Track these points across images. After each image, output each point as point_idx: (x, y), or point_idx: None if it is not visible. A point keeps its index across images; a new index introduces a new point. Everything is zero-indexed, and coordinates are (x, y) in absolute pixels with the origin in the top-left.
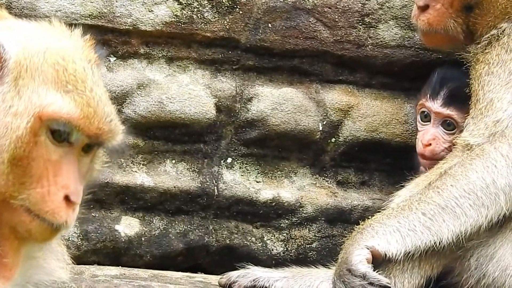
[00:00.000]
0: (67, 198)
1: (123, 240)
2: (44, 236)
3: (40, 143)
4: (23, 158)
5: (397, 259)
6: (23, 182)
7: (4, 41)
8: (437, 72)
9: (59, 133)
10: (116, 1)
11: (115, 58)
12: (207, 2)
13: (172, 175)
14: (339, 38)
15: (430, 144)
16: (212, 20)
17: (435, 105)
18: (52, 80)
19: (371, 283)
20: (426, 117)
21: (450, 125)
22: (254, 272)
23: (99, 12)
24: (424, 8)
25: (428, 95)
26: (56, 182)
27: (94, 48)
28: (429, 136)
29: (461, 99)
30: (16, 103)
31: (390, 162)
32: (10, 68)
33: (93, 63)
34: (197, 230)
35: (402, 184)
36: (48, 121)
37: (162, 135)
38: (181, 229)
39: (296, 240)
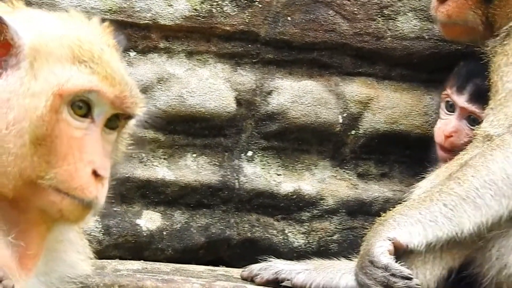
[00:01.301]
0: (95, 173)
1: (144, 234)
2: (76, 214)
3: (62, 120)
4: (46, 137)
5: (419, 250)
6: (48, 161)
7: (19, 28)
8: (464, 65)
9: (80, 107)
10: None
11: (135, 53)
12: None
13: (193, 169)
14: (358, 30)
15: (452, 136)
16: (231, 13)
17: (461, 100)
18: (68, 58)
19: (393, 275)
20: (451, 107)
21: (474, 121)
22: (276, 265)
23: (118, 7)
24: (443, 0)
25: (455, 88)
26: (82, 159)
27: (113, 34)
28: (451, 128)
29: (486, 96)
30: (33, 85)
31: (410, 154)
32: (26, 54)
33: (112, 47)
34: (218, 224)
35: (422, 176)
36: (68, 96)
37: (182, 129)
38: (202, 222)
39: (318, 233)
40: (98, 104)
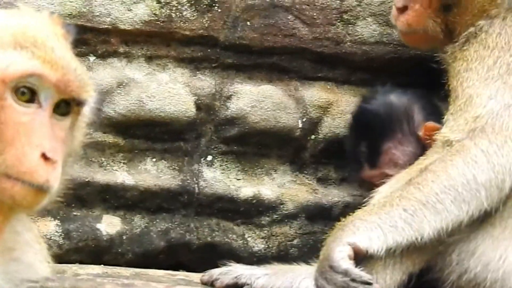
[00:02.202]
0: (44, 156)
1: (104, 238)
2: (29, 200)
3: (7, 107)
4: None
5: (379, 255)
6: None
7: None
8: (347, 147)
9: (23, 93)
10: (95, 0)
11: (94, 57)
12: (185, 0)
13: (153, 174)
14: (317, 35)
15: None
16: (191, 18)
17: (366, 170)
18: (10, 44)
19: (353, 280)
20: (371, 184)
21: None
22: (236, 270)
23: (78, 12)
24: (403, 9)
25: (354, 168)
26: (30, 143)
27: (61, 24)
28: None
29: (379, 151)
30: None
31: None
32: None
33: (59, 36)
34: (178, 228)
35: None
36: (10, 82)
37: (142, 133)
38: (162, 227)
39: (277, 237)
40: (42, 89)
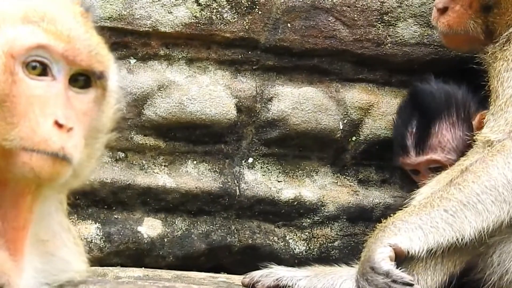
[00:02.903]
0: (57, 124)
1: (145, 241)
2: (49, 170)
3: (19, 80)
4: (4, 99)
5: (419, 256)
6: (11, 122)
7: None
8: (395, 127)
9: (34, 67)
10: (136, 3)
11: (135, 60)
12: (226, 3)
13: (194, 176)
14: (358, 36)
15: None
16: (231, 20)
17: (411, 158)
18: (19, 20)
19: (394, 281)
20: (414, 172)
21: (437, 169)
22: (277, 272)
23: (118, 14)
24: (443, 11)
25: (400, 152)
26: (43, 113)
27: (82, 5)
28: None
29: (429, 135)
30: None
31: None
32: None
33: (76, 13)
34: (219, 231)
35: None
36: (20, 55)
37: (183, 136)
38: (203, 229)
39: (318, 239)
40: (53, 61)
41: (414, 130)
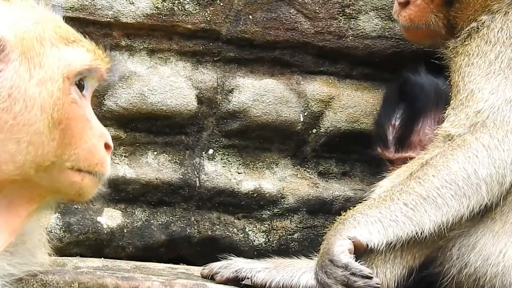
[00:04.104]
0: (106, 146)
1: (105, 232)
2: (92, 190)
3: (72, 100)
4: (62, 120)
5: (379, 249)
6: (68, 143)
7: None
8: (379, 116)
9: (82, 86)
10: None
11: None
12: None
13: (154, 167)
14: (319, 29)
15: None
16: (193, 12)
17: (390, 154)
18: (58, 40)
19: (353, 274)
20: (389, 162)
21: None
22: (236, 263)
23: (80, 5)
24: (405, 4)
25: (380, 143)
26: (94, 134)
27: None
28: None
29: (411, 132)
30: (36, 73)
31: (371, 153)
32: (13, 46)
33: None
34: (179, 222)
35: (383, 175)
36: (74, 77)
37: (143, 127)
38: (163, 220)
39: (278, 231)
40: (90, 79)
41: (397, 124)
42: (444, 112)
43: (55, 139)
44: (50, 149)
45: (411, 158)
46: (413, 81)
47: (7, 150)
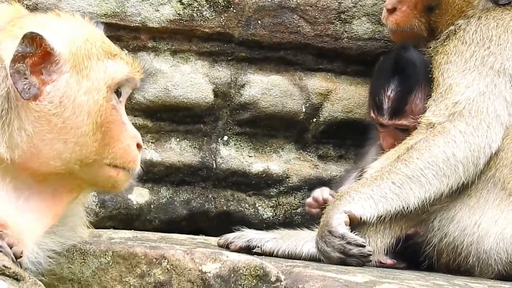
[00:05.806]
0: (138, 145)
1: (135, 207)
2: (125, 184)
3: (112, 106)
4: (104, 124)
5: (371, 222)
6: (107, 143)
7: (51, 37)
8: (374, 85)
9: (120, 93)
10: (127, 2)
11: (126, 52)
12: (205, 2)
13: (177, 151)
14: (319, 32)
15: (395, 145)
16: (210, 18)
17: (384, 120)
18: (103, 54)
19: (349, 243)
20: (382, 126)
21: (404, 130)
22: (247, 234)
23: (112, 12)
24: (392, 11)
25: (375, 110)
26: (128, 136)
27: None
28: (389, 143)
29: (405, 102)
30: (84, 84)
31: (364, 139)
32: (65, 60)
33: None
34: (198, 198)
35: (374, 157)
36: (114, 86)
37: (167, 117)
38: (184, 197)
39: (284, 206)
40: (126, 87)
41: (391, 95)
42: (432, 86)
43: (97, 140)
44: (92, 149)
45: (402, 125)
46: (406, 57)
47: (55, 148)
